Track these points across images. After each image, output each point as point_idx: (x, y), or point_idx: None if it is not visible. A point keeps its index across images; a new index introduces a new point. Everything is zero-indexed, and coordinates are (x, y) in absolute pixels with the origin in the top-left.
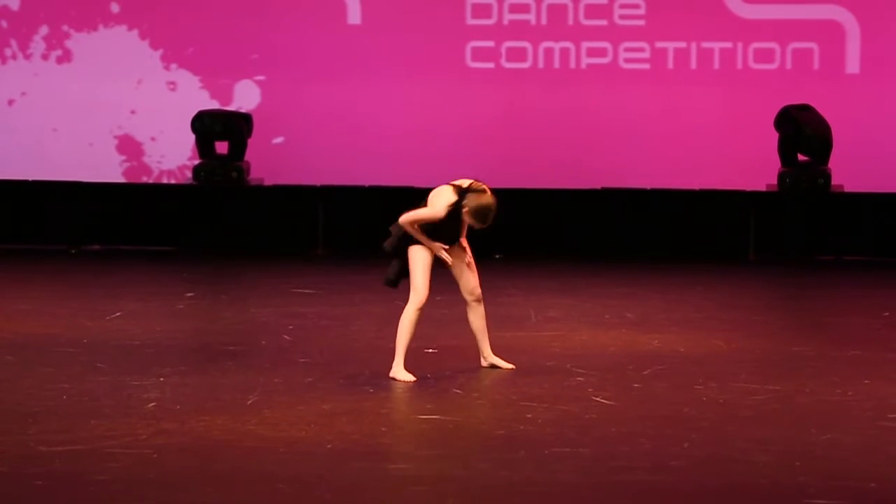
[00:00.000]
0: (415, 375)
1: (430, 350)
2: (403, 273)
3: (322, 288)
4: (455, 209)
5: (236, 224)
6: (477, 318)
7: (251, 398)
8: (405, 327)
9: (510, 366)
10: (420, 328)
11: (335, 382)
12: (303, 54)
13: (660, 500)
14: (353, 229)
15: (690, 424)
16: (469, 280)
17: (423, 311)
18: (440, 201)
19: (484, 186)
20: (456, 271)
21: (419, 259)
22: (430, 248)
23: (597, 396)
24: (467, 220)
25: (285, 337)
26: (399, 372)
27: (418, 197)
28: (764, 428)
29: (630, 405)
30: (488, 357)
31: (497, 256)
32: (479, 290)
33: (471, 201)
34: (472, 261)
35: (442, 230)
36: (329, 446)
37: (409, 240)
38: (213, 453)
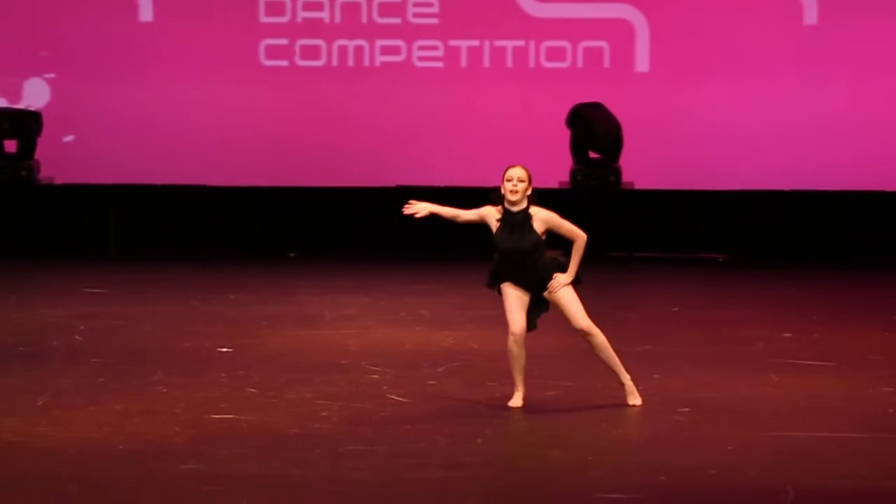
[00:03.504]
0: (228, 377)
1: (224, 349)
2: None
3: (114, 287)
4: (504, 215)
5: (26, 223)
6: (600, 353)
7: (41, 399)
8: (510, 360)
9: (638, 401)
10: (213, 327)
11: (127, 383)
12: (94, 51)
13: (454, 496)
14: (146, 228)
15: (484, 421)
16: (569, 314)
17: (522, 343)
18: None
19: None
20: (559, 306)
21: (505, 294)
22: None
23: (392, 394)
24: (504, 184)
25: (77, 337)
26: (513, 401)
27: (211, 195)
28: (557, 423)
29: (425, 402)
30: (626, 390)
31: (292, 255)
32: (583, 323)
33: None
34: (562, 287)
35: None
36: (121, 447)
37: (492, 283)
38: (2, 456)
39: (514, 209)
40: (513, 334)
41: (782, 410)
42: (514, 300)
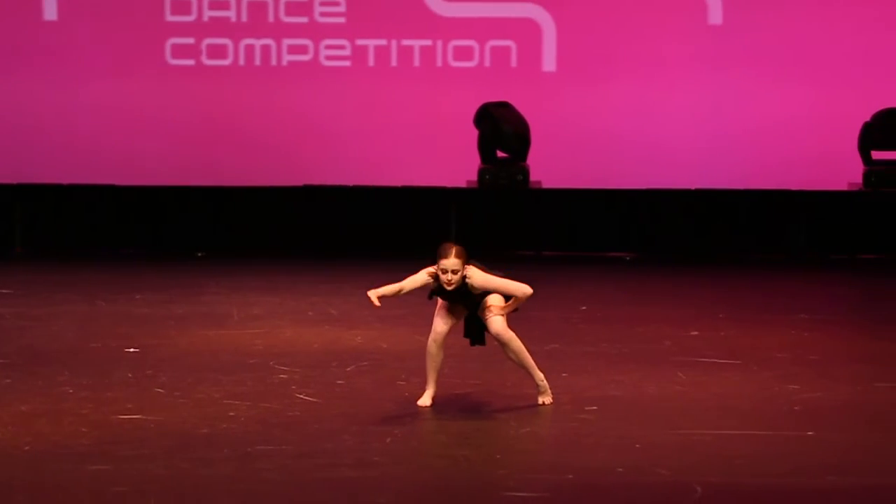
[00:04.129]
0: (135, 377)
1: (131, 350)
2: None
3: (19, 287)
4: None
5: None
6: (515, 358)
7: None
8: (427, 359)
9: (548, 400)
10: (120, 328)
11: (33, 384)
12: None
13: (363, 495)
14: (52, 228)
15: (393, 420)
16: (490, 327)
17: (441, 344)
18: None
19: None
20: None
21: (439, 303)
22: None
23: (300, 394)
24: (439, 272)
25: None
26: (422, 400)
27: (118, 194)
28: (466, 422)
29: (333, 402)
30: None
31: (199, 255)
32: (499, 332)
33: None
34: (493, 300)
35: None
36: (27, 448)
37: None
38: None
39: (450, 290)
40: (435, 332)
41: (690, 409)
42: (444, 309)
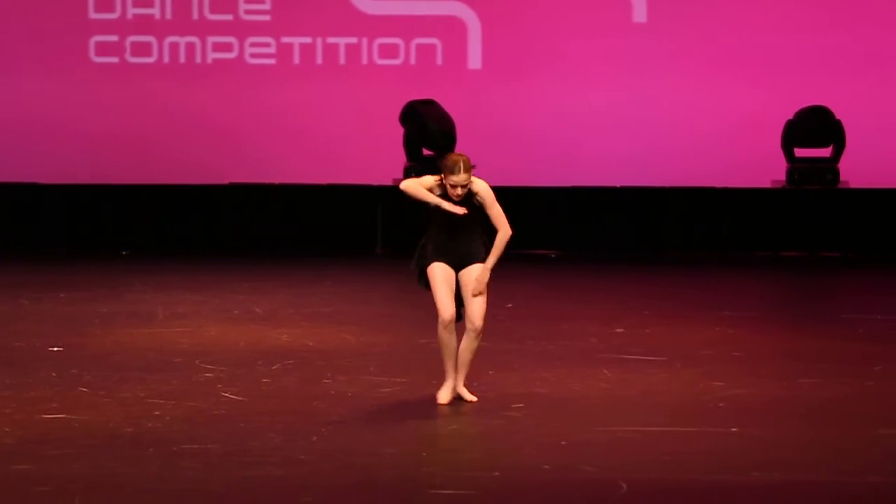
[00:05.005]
0: (59, 376)
1: (55, 348)
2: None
3: None
4: (442, 191)
5: None
6: (466, 350)
7: None
8: (441, 349)
9: (473, 398)
10: (44, 326)
11: None
12: None
13: (289, 494)
14: None
15: (320, 418)
16: (473, 310)
17: (453, 329)
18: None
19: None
20: (465, 297)
21: (434, 278)
22: (436, 204)
23: (226, 392)
24: (447, 190)
25: None
26: (441, 394)
27: (41, 193)
28: (392, 420)
29: (259, 400)
30: (458, 388)
31: (124, 253)
32: (480, 323)
33: (441, 168)
34: (482, 292)
35: (439, 218)
36: None
37: (420, 263)
38: None
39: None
40: (443, 321)
41: (615, 406)
42: (444, 285)
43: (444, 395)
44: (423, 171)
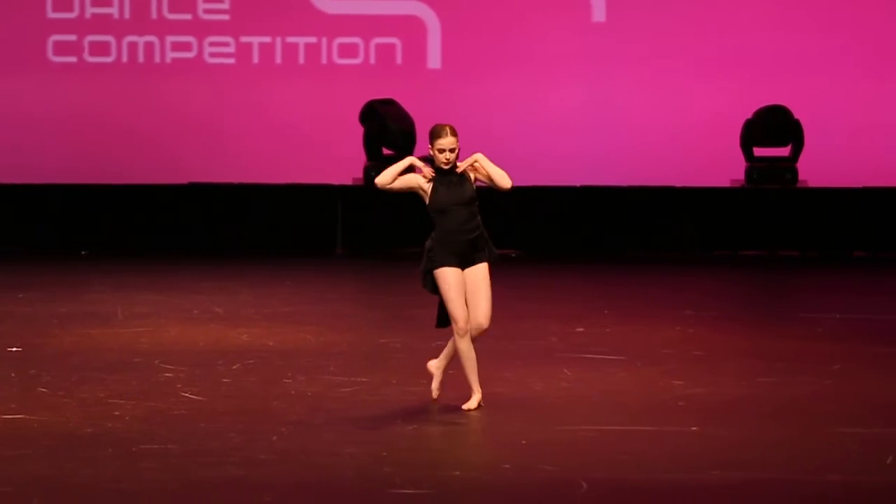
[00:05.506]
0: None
1: (14, 349)
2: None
3: None
4: (436, 174)
5: None
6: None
7: None
8: (462, 362)
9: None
10: (2, 326)
11: None
12: None
13: (249, 494)
14: None
15: (279, 418)
16: (476, 312)
17: (469, 338)
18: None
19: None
20: (468, 297)
21: (446, 284)
22: (410, 164)
23: (186, 392)
24: (435, 159)
25: None
26: (467, 404)
27: (1, 192)
28: (352, 420)
29: (219, 400)
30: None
31: (83, 253)
32: (486, 323)
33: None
34: (487, 292)
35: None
36: None
37: (428, 266)
38: None
39: (446, 168)
40: (460, 330)
41: (575, 405)
42: (456, 289)
43: (470, 404)
44: (383, 170)
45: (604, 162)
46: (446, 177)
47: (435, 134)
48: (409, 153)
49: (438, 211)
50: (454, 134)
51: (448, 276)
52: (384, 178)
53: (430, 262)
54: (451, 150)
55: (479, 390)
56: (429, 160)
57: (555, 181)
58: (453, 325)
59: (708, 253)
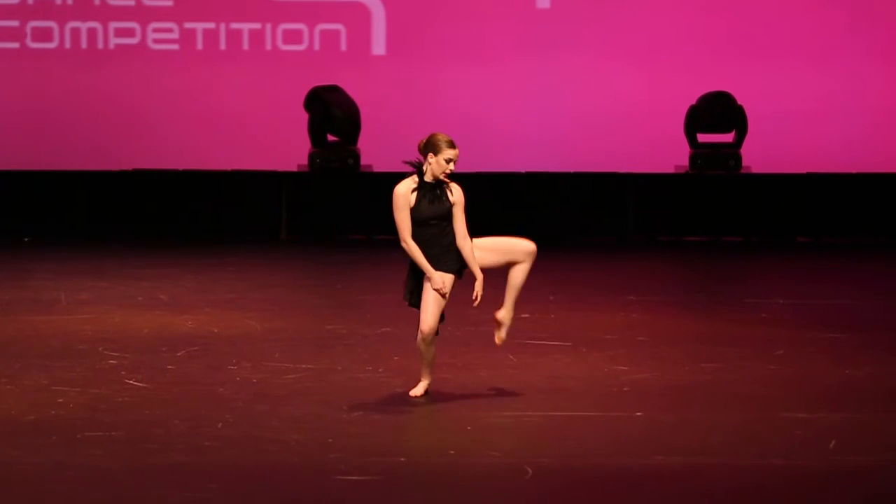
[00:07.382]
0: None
1: None
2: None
3: None
4: (420, 185)
5: None
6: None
7: None
8: (420, 356)
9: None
10: None
11: None
12: None
13: (194, 480)
14: None
15: (224, 405)
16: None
17: (433, 341)
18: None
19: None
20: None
21: (428, 290)
22: (429, 277)
23: (130, 379)
24: (435, 169)
25: None
26: (414, 390)
27: None
28: (297, 406)
29: (164, 387)
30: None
31: (26, 239)
32: (421, 330)
33: (424, 151)
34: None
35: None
36: None
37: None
38: None
39: (434, 180)
40: (421, 332)
41: (520, 390)
42: (433, 295)
43: (417, 391)
44: (328, 157)
45: (548, 148)
46: (431, 189)
47: (440, 145)
48: (354, 140)
49: (417, 223)
50: (456, 146)
51: (426, 287)
52: (410, 249)
53: (416, 274)
54: (455, 161)
55: (429, 380)
56: (417, 166)
57: (499, 167)
58: (420, 327)
59: (652, 239)
